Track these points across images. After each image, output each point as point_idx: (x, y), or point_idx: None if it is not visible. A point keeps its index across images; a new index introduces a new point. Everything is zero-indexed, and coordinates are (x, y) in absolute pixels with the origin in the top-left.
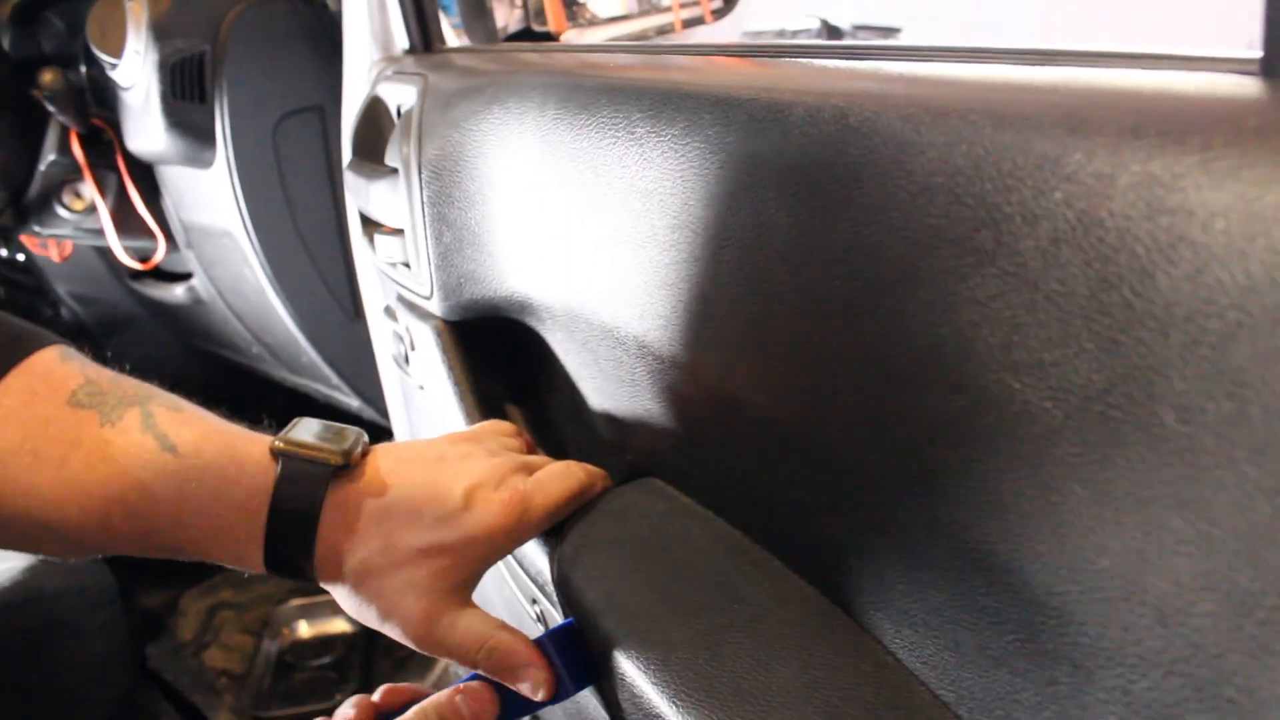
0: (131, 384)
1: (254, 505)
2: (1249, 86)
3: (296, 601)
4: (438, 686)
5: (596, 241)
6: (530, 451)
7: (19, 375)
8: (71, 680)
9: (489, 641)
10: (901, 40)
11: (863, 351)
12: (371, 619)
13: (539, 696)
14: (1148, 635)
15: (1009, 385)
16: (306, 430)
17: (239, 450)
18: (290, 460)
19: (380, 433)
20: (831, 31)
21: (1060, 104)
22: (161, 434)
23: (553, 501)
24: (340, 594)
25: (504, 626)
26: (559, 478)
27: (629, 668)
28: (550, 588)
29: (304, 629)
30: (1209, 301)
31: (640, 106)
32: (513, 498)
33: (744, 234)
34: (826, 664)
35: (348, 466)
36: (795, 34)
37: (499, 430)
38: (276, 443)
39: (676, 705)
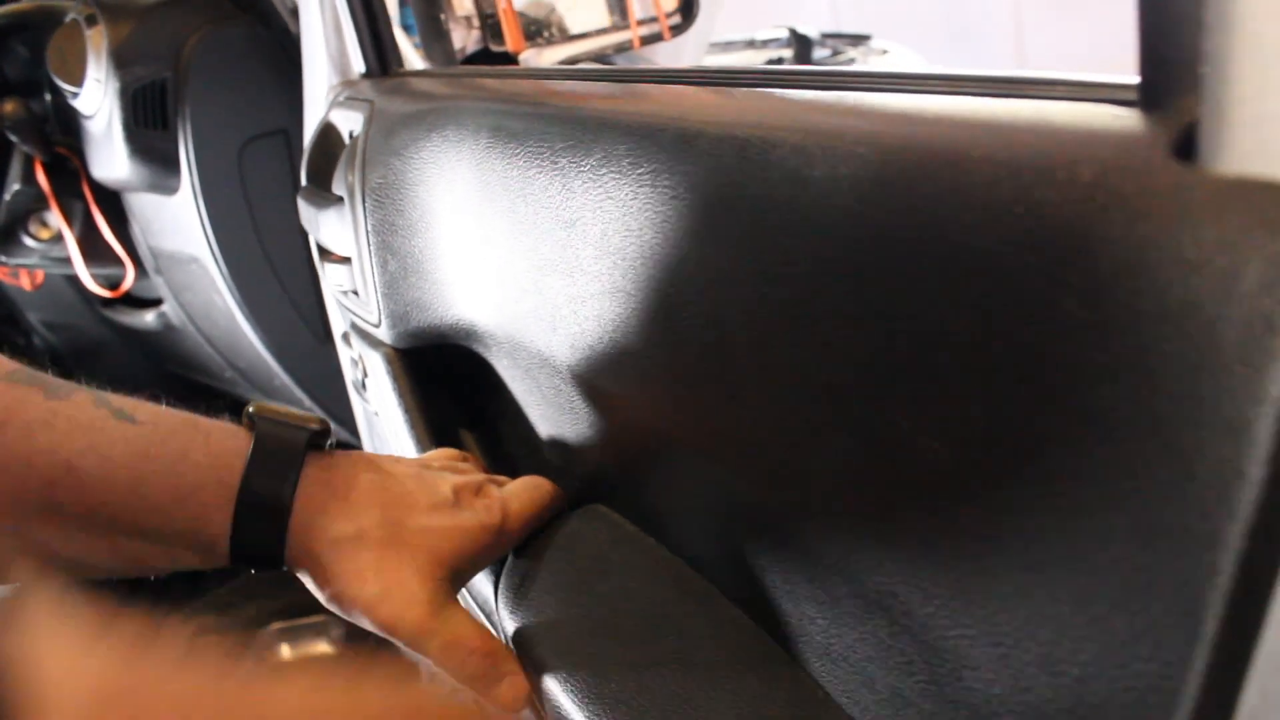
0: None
1: (225, 464)
2: (1124, 119)
3: (277, 625)
4: None
5: (529, 270)
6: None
7: None
8: None
9: (484, 644)
10: (872, 45)
11: (766, 385)
12: (357, 599)
13: (515, 708)
14: (1035, 684)
15: (899, 424)
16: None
17: (203, 421)
18: (266, 422)
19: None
20: (800, 41)
21: (943, 135)
22: (116, 408)
23: (528, 509)
24: (319, 571)
25: (490, 634)
26: (530, 488)
27: (562, 698)
28: (495, 616)
29: (286, 652)
30: (1081, 344)
31: (562, 136)
32: (493, 503)
33: (659, 264)
34: (757, 697)
35: (326, 435)
36: (765, 43)
37: (449, 455)
38: (250, 409)
39: None
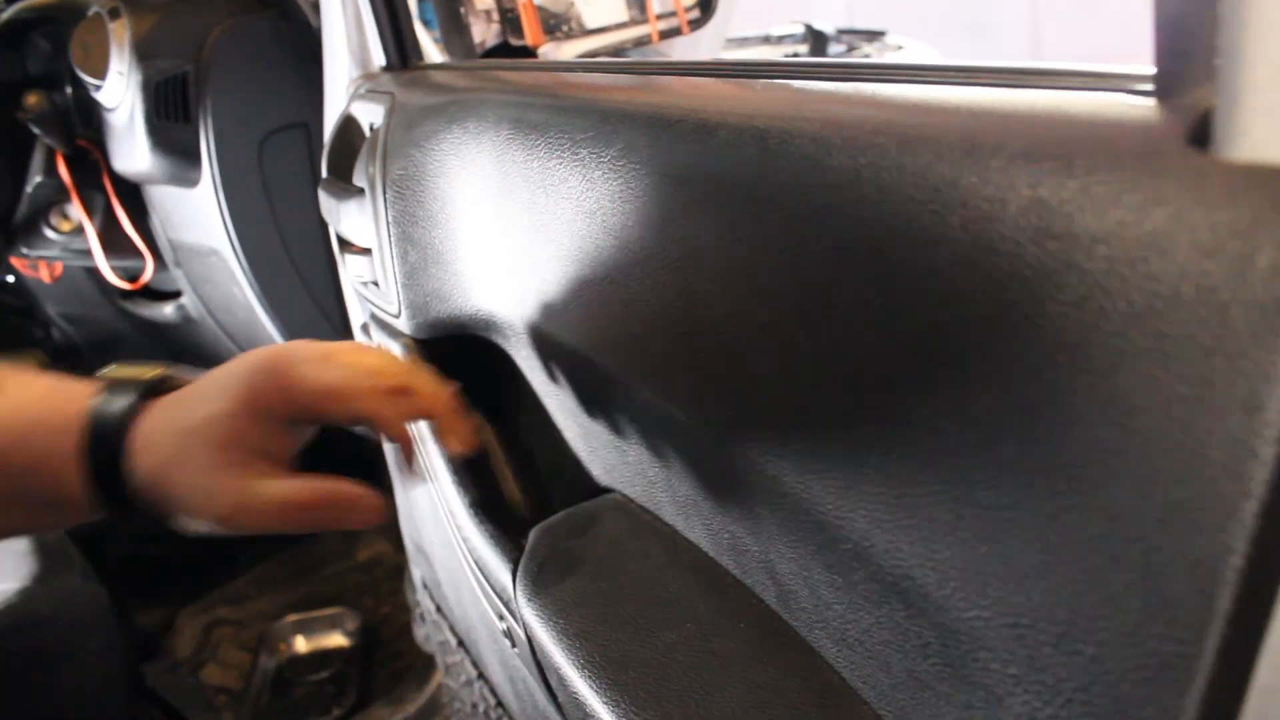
0: None
1: (74, 424)
2: (1140, 109)
3: (293, 617)
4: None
5: (549, 261)
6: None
7: None
8: (69, 705)
9: (307, 495)
10: (888, 41)
11: (786, 373)
12: (176, 517)
13: (376, 519)
14: (1050, 663)
15: (917, 409)
16: (148, 366)
17: (67, 386)
18: (110, 383)
19: (373, 447)
20: (815, 37)
21: (960, 125)
22: None
23: (308, 386)
24: (156, 505)
25: (319, 478)
26: (329, 373)
27: (581, 686)
28: (514, 604)
29: (301, 644)
30: (1093, 329)
31: (583, 127)
32: (259, 366)
33: (678, 255)
34: (774, 684)
35: (165, 382)
36: (780, 39)
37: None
38: (102, 372)
39: None
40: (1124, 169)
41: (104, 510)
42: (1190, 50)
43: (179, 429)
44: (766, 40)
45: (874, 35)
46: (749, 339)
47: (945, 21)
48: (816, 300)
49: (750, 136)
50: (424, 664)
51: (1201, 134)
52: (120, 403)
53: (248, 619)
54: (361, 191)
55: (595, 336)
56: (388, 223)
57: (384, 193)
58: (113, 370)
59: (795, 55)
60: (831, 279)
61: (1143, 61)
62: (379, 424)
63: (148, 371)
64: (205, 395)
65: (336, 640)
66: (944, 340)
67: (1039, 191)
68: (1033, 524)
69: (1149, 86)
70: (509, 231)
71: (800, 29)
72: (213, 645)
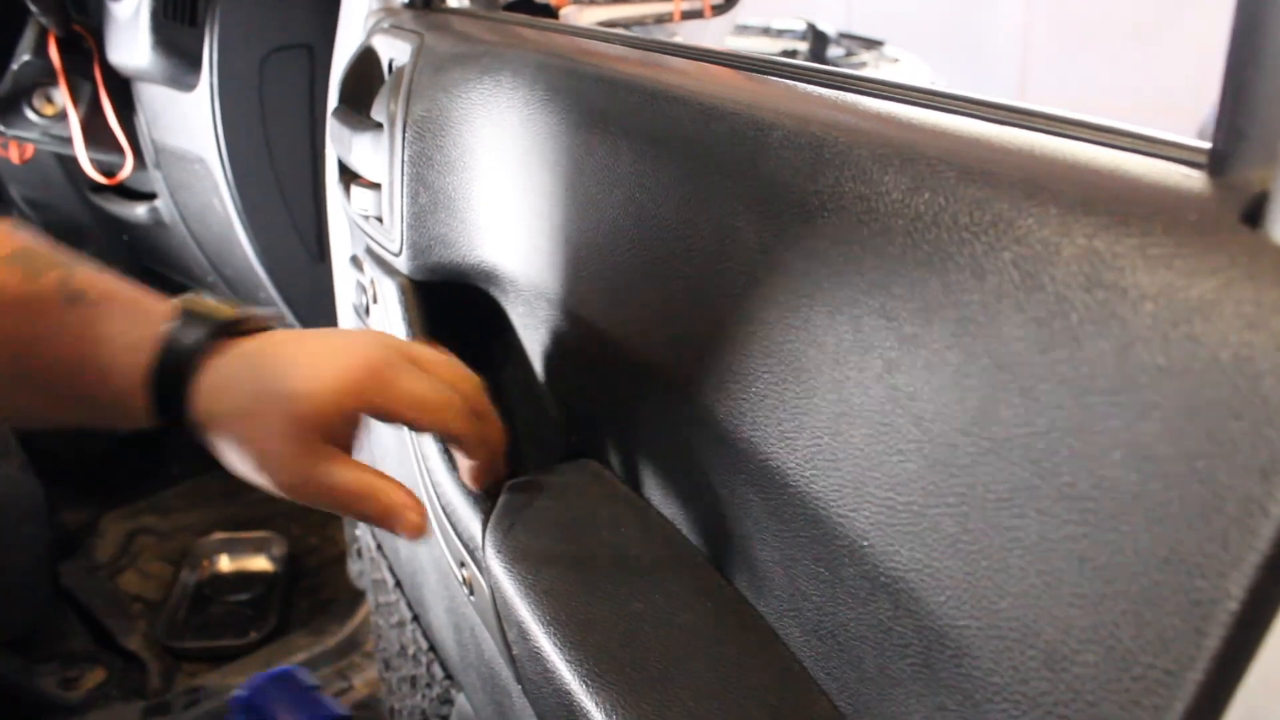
0: (71, 257)
1: (146, 345)
2: (1195, 180)
3: (218, 535)
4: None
5: (565, 225)
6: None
7: None
8: None
9: (364, 487)
10: (885, 52)
11: (794, 354)
12: (246, 467)
13: (416, 536)
14: (1034, 677)
15: (939, 423)
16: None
17: (146, 304)
18: (187, 312)
19: None
20: (817, 37)
21: (1021, 166)
22: (75, 290)
23: (406, 394)
24: (215, 441)
25: (379, 474)
26: (424, 384)
27: (544, 641)
28: (480, 553)
29: (224, 563)
30: (1129, 378)
31: (627, 101)
32: (363, 363)
33: (707, 240)
34: (736, 664)
35: (240, 323)
36: (781, 33)
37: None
38: (182, 296)
39: (588, 685)
40: (1179, 234)
41: (163, 425)
42: (1252, 132)
43: (261, 389)
44: (766, 32)
45: (872, 44)
46: (777, 339)
47: (939, 39)
48: (857, 314)
49: (807, 141)
50: (349, 599)
51: (1255, 213)
52: (194, 335)
53: (173, 531)
54: (379, 126)
55: (599, 302)
56: (403, 161)
57: (404, 131)
58: (190, 299)
59: (794, 51)
60: (868, 291)
61: (1130, 103)
62: (464, 443)
63: (224, 310)
64: (298, 365)
65: (261, 564)
66: (979, 366)
67: (1094, 242)
68: (1039, 547)
69: (1202, 160)
70: (527, 191)
71: (801, 25)
72: (134, 553)
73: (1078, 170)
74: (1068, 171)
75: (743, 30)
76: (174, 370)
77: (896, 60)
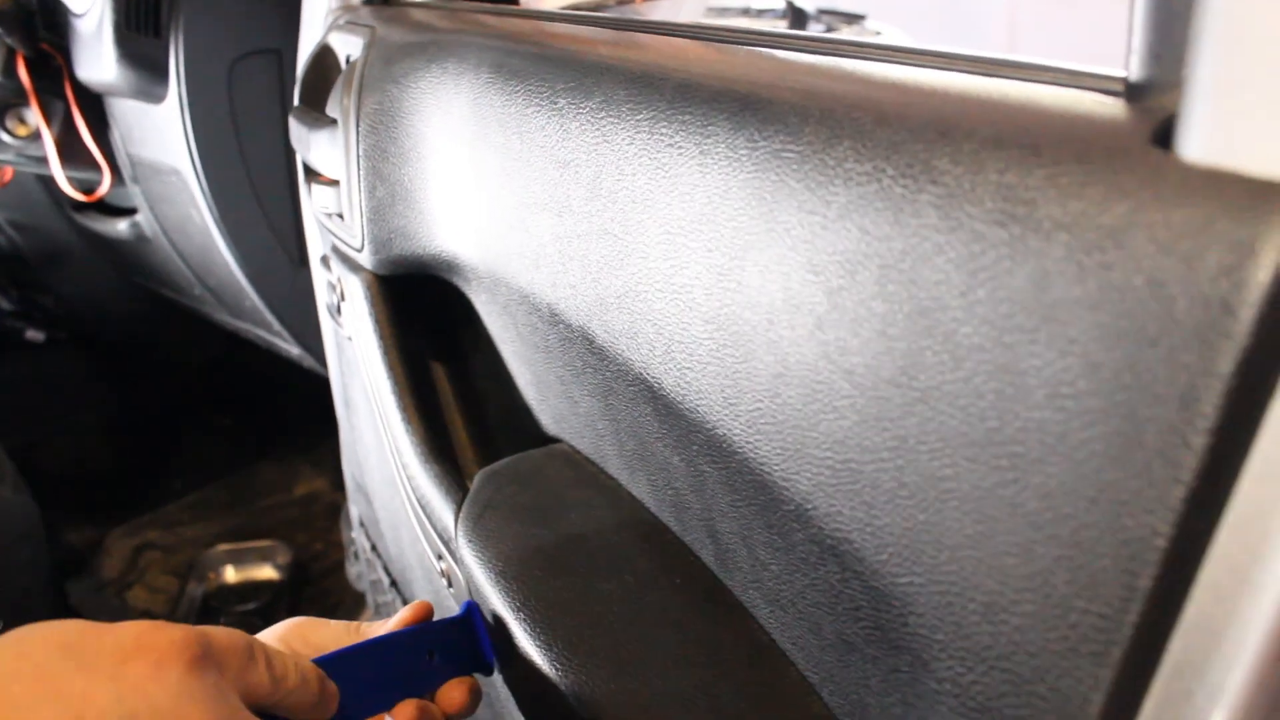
0: None
1: None
2: (1110, 107)
3: (224, 546)
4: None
5: (518, 207)
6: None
7: None
8: None
9: None
10: (866, 25)
11: (747, 330)
12: None
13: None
14: (976, 631)
15: (869, 374)
16: None
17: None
18: None
19: (319, 382)
20: (795, 13)
21: (936, 107)
22: None
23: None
24: None
25: None
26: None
27: (516, 629)
28: (454, 544)
29: (230, 574)
30: (1047, 314)
31: (564, 78)
32: None
33: (650, 209)
34: (704, 639)
35: None
36: (760, 13)
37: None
38: None
39: (558, 668)
40: (1089, 162)
41: None
42: (1163, 57)
43: None
44: (746, 12)
45: (853, 18)
46: (730, 306)
47: (923, 15)
48: (790, 261)
49: (731, 100)
50: (353, 602)
51: (1165, 136)
52: None
53: (178, 544)
54: (334, 122)
55: (557, 284)
56: (358, 156)
57: (357, 126)
58: None
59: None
60: (800, 239)
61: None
62: None
63: None
64: None
65: (266, 573)
66: (902, 310)
67: (1006, 176)
68: (971, 497)
69: (1119, 88)
70: (480, 176)
71: (781, 3)
72: (140, 568)
73: (992, 106)
74: (983, 108)
75: (722, 11)
76: None
77: (878, 34)
